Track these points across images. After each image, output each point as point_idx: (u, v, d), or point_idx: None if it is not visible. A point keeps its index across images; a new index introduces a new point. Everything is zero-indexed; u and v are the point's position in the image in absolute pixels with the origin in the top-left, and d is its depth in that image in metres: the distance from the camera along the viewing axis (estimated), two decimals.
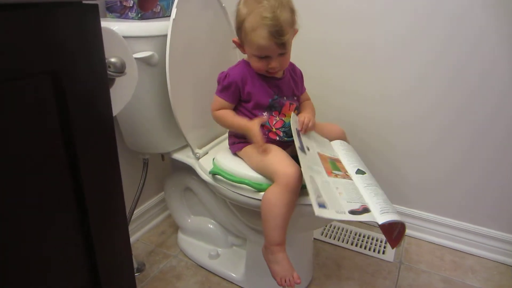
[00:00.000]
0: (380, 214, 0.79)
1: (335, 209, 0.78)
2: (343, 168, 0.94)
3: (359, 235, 1.42)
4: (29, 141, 0.30)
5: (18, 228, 0.31)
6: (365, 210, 0.81)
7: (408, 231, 1.42)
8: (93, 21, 0.32)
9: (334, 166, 0.93)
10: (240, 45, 0.96)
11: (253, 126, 0.91)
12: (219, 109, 0.99)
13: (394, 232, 0.85)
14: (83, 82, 0.32)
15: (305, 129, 0.96)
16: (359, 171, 0.92)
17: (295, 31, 0.95)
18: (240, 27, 0.92)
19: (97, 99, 0.34)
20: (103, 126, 0.35)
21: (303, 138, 0.94)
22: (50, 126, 0.31)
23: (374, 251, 1.34)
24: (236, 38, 0.96)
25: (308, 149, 0.92)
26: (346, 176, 0.91)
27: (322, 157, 0.94)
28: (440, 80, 1.23)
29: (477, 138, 1.24)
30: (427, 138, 1.31)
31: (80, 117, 0.33)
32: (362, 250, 1.34)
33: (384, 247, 1.36)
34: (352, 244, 1.37)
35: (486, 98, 1.19)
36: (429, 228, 1.40)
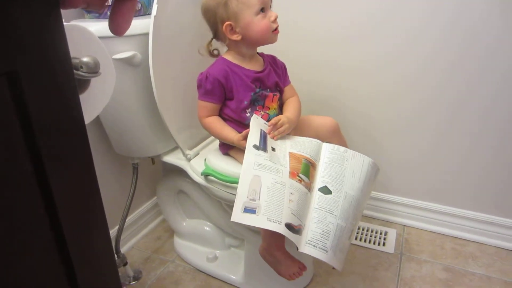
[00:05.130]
0: (305, 244, 0.75)
1: (267, 216, 0.73)
2: (313, 176, 0.84)
3: (358, 228, 1.40)
4: None
5: None
6: (301, 231, 0.76)
7: (407, 221, 1.41)
8: (53, 15, 0.29)
9: (305, 169, 0.84)
10: (233, 28, 0.90)
11: (242, 143, 0.89)
12: (207, 115, 0.95)
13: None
14: (44, 84, 0.29)
15: (275, 135, 0.89)
16: (324, 189, 0.82)
17: None
18: (225, 3, 0.88)
19: (63, 102, 0.31)
20: (72, 130, 0.31)
21: (270, 139, 0.89)
22: (10, 136, 0.28)
23: (374, 243, 1.32)
24: (227, 22, 0.89)
25: (273, 149, 0.86)
26: (308, 185, 0.82)
27: (295, 157, 0.86)
28: (423, 49, 1.19)
29: (476, 126, 1.22)
30: (423, 128, 1.30)
31: (44, 122, 0.29)
32: (361, 243, 1.32)
33: (384, 239, 1.34)
34: None
35: (467, 71, 1.16)
36: (428, 217, 1.38)
